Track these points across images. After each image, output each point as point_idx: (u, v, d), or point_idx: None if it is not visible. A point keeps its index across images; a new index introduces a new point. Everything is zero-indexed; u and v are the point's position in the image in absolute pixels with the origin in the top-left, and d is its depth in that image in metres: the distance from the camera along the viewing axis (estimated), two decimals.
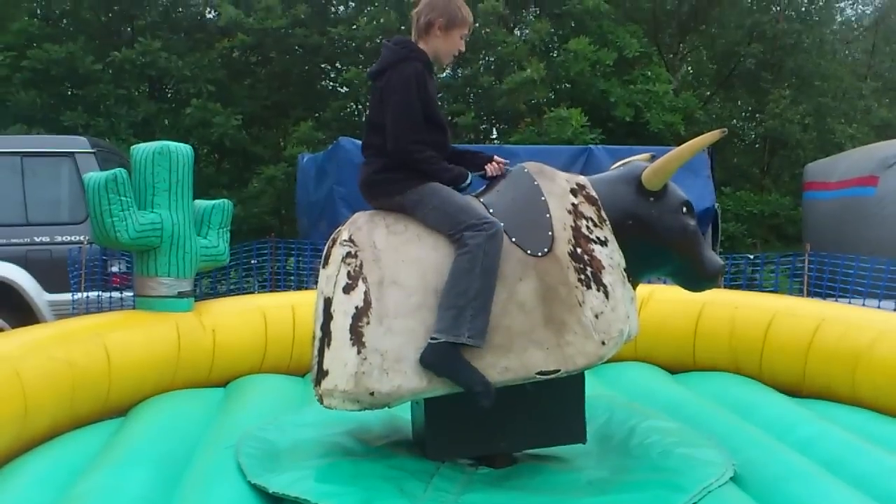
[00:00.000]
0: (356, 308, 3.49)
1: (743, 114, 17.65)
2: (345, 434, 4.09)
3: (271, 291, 8.42)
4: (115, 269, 7.72)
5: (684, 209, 3.94)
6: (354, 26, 13.94)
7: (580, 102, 13.49)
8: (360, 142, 9.44)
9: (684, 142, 4.01)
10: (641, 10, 15.60)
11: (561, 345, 3.54)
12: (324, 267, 3.65)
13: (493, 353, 3.49)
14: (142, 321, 5.18)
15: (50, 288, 7.57)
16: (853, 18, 20.78)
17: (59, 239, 7.73)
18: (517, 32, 15.38)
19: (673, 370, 5.69)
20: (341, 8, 15.87)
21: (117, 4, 13.94)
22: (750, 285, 8.27)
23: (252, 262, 9.16)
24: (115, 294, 7.46)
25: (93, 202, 5.19)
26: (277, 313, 5.72)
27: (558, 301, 3.56)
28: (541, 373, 3.54)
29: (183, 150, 5.46)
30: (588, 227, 3.73)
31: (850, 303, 7.05)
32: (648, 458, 3.83)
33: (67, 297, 7.36)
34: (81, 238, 7.50)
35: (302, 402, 4.96)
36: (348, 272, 3.55)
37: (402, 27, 14.08)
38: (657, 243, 3.88)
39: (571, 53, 13.15)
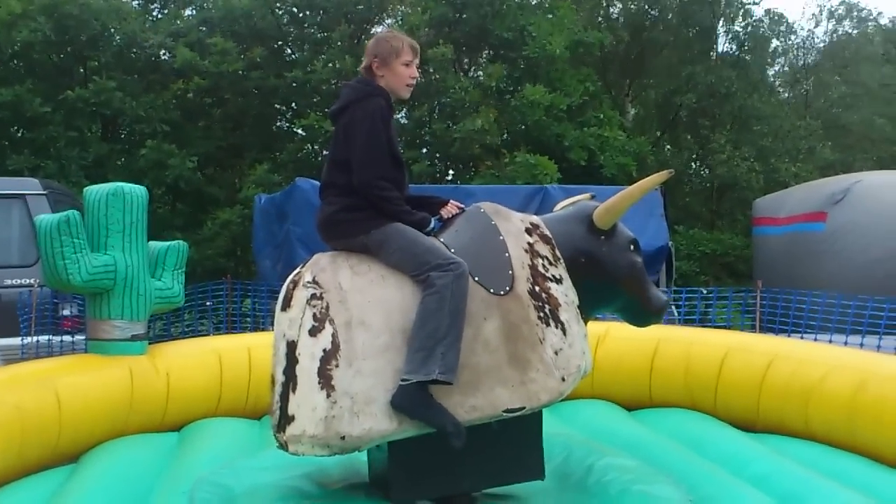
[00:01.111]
0: (324, 351, 3.43)
1: (693, 155, 18.04)
2: (302, 478, 4.05)
3: (227, 333, 8.33)
4: (66, 312, 7.59)
5: (632, 247, 4.06)
6: (310, 69, 14.00)
7: (535, 145, 13.66)
8: (317, 183, 9.49)
9: (635, 182, 4.11)
10: (590, 54, 15.91)
11: (525, 382, 3.61)
12: (284, 309, 3.57)
13: (461, 392, 3.51)
14: (94, 365, 5.08)
15: None
16: (790, 60, 21.39)
17: (8, 282, 7.59)
18: (471, 75, 15.57)
19: (630, 407, 5.72)
20: (297, 51, 15.94)
21: (70, 45, 13.84)
22: (703, 321, 8.37)
23: (207, 303, 9.07)
24: (67, 338, 7.32)
25: (44, 244, 5.11)
26: (233, 356, 5.65)
27: (521, 339, 3.63)
28: (507, 410, 3.58)
29: (137, 191, 5.41)
30: (544, 266, 3.80)
31: (802, 338, 7.17)
32: (606, 495, 3.84)
33: (17, 341, 7.21)
34: (32, 281, 7.37)
35: (258, 445, 4.90)
36: (314, 314, 3.48)
37: (357, 70, 14.22)
38: (607, 280, 3.98)
39: (527, 101, 13.28)
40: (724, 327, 8.28)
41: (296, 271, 3.69)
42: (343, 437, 3.39)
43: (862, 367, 4.76)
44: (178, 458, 4.57)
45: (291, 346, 3.48)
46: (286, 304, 3.58)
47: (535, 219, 4.01)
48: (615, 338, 5.91)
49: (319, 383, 3.40)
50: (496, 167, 13.41)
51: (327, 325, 3.47)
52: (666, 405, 5.61)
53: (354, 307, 3.52)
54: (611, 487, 3.90)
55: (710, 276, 15.54)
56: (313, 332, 3.46)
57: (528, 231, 3.89)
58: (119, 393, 5.00)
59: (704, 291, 9.35)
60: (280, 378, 3.50)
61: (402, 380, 3.41)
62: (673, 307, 8.89)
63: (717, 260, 15.50)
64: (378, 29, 15.35)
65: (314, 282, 3.56)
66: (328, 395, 3.39)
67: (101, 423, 4.85)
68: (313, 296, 3.52)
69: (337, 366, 3.42)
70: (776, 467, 4.23)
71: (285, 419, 3.44)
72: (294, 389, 3.43)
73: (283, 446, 3.48)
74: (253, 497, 3.81)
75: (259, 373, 5.57)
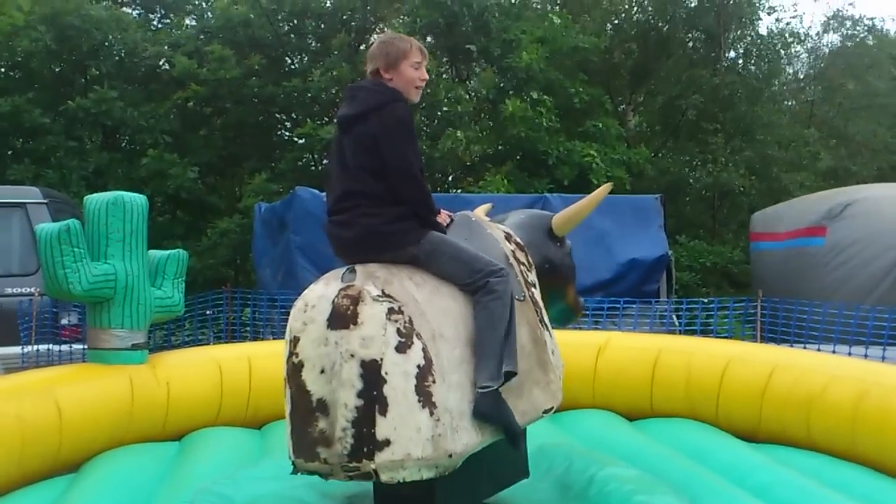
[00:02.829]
0: (418, 367, 3.23)
1: (695, 163, 18.05)
2: (303, 487, 4.04)
3: (227, 343, 8.32)
4: (66, 321, 7.58)
5: (570, 251, 4.36)
6: (309, 78, 14.03)
7: (526, 158, 13.62)
8: (317, 192, 9.52)
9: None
10: (593, 61, 15.92)
11: (549, 382, 3.77)
12: (344, 327, 3.26)
13: (514, 396, 3.55)
14: (94, 374, 5.08)
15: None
16: (795, 70, 21.42)
17: (9, 291, 7.59)
18: (469, 84, 15.58)
19: (631, 416, 5.71)
20: (296, 60, 15.98)
21: (71, 55, 13.87)
22: (705, 331, 8.36)
23: (207, 312, 9.06)
24: (67, 347, 7.31)
25: (44, 253, 5.11)
26: (233, 365, 5.65)
27: (540, 342, 3.76)
28: (545, 411, 3.73)
29: (137, 200, 5.41)
30: (525, 272, 3.93)
31: (805, 348, 7.16)
32: None
33: (17, 350, 7.20)
34: (32, 290, 7.36)
35: (259, 455, 4.89)
36: (398, 329, 3.25)
37: (357, 78, 14.23)
38: (560, 284, 4.22)
39: (508, 115, 13.15)
40: (726, 337, 8.27)
41: (340, 286, 3.38)
42: (451, 455, 3.24)
43: (863, 377, 4.76)
44: (178, 468, 4.56)
45: (371, 366, 3.20)
46: (347, 322, 3.27)
47: (505, 227, 4.13)
48: (616, 347, 5.91)
49: (420, 401, 3.19)
50: (480, 185, 13.28)
51: (415, 339, 3.27)
52: (667, 415, 5.61)
53: (432, 319, 3.39)
54: (612, 498, 3.89)
55: (710, 288, 15.53)
56: (401, 348, 3.23)
57: (507, 238, 4.00)
58: (119, 402, 4.99)
59: (705, 301, 9.35)
60: (353, 402, 3.18)
61: (483, 387, 3.39)
62: (674, 316, 8.89)
63: (717, 271, 15.49)
64: (375, 36, 15.39)
65: (387, 295, 3.33)
66: (431, 413, 3.20)
67: (101, 432, 4.84)
68: (391, 310, 3.28)
69: (434, 381, 3.24)
70: (778, 477, 4.23)
71: (372, 445, 3.15)
72: (384, 412, 3.16)
73: (373, 475, 3.19)
74: None
75: (259, 382, 5.58)
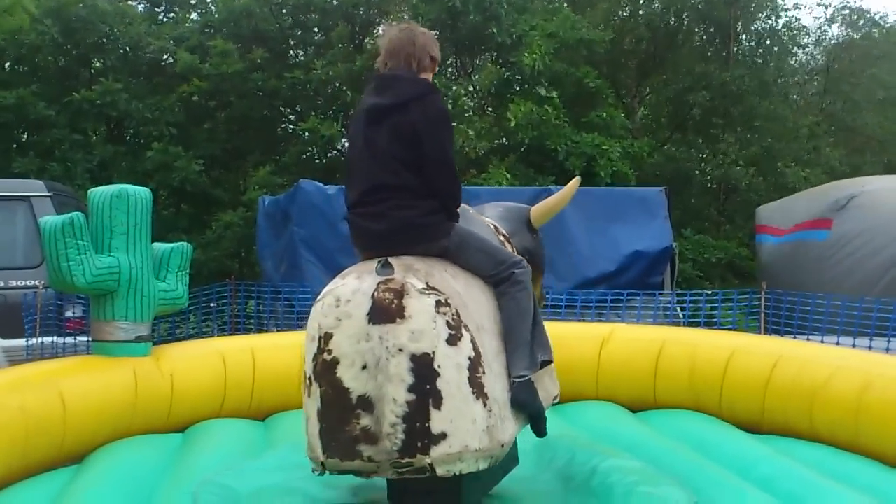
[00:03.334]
0: (469, 359, 3.23)
1: (701, 155, 18.00)
2: (307, 479, 4.03)
3: (231, 335, 8.34)
4: (70, 313, 7.59)
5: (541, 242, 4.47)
6: (313, 69, 14.01)
7: (532, 151, 13.58)
8: (320, 184, 9.53)
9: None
10: (599, 52, 15.88)
11: (553, 370, 3.89)
12: (390, 321, 3.22)
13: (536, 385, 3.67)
14: (98, 366, 5.09)
15: (4, 333, 7.42)
16: (803, 62, 21.32)
17: (13, 283, 7.60)
18: (474, 77, 15.55)
19: (634, 408, 5.71)
20: (300, 52, 15.96)
21: (76, 48, 13.87)
22: (708, 322, 8.35)
23: (211, 305, 9.07)
24: (71, 339, 7.32)
25: (49, 246, 5.12)
26: (237, 357, 5.66)
27: (540, 330, 3.81)
28: (554, 398, 3.86)
29: (141, 193, 5.41)
30: None
31: (809, 339, 7.15)
32: (611, 497, 3.82)
33: (22, 342, 7.22)
34: (37, 282, 7.38)
35: (262, 446, 4.90)
36: (447, 322, 3.24)
37: (362, 74, 14.21)
38: (535, 274, 4.19)
39: (514, 121, 13.08)
40: (729, 329, 8.26)
41: (378, 279, 3.32)
42: (502, 445, 3.29)
43: (867, 369, 4.76)
44: (182, 459, 4.57)
45: (423, 360, 3.17)
46: (393, 316, 3.22)
47: (491, 220, 4.19)
48: (620, 339, 5.91)
49: (473, 393, 3.21)
50: (479, 176, 13.24)
51: (464, 331, 3.26)
52: (670, 406, 5.61)
53: (475, 311, 3.41)
54: (615, 489, 3.89)
55: (715, 282, 15.49)
56: (452, 340, 3.22)
57: (496, 230, 4.06)
58: (123, 394, 5.01)
59: (709, 293, 9.32)
60: (403, 397, 3.14)
61: (520, 377, 3.48)
62: (678, 308, 8.88)
63: (722, 265, 15.44)
64: (383, 28, 15.35)
65: (432, 288, 3.31)
66: (484, 405, 3.23)
67: (105, 424, 4.85)
68: (439, 302, 3.26)
69: (484, 372, 3.27)
70: (781, 469, 4.22)
71: (427, 439, 3.13)
72: (438, 405, 3.15)
73: (429, 469, 3.17)
74: (257, 498, 3.81)
75: (263, 374, 5.60)
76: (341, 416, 3.20)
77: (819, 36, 21.23)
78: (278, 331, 8.68)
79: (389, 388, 3.15)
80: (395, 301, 3.23)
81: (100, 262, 5.18)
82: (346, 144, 3.80)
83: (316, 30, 15.83)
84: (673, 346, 5.71)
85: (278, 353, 5.76)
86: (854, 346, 6.81)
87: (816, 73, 21.10)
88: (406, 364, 3.16)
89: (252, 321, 9.24)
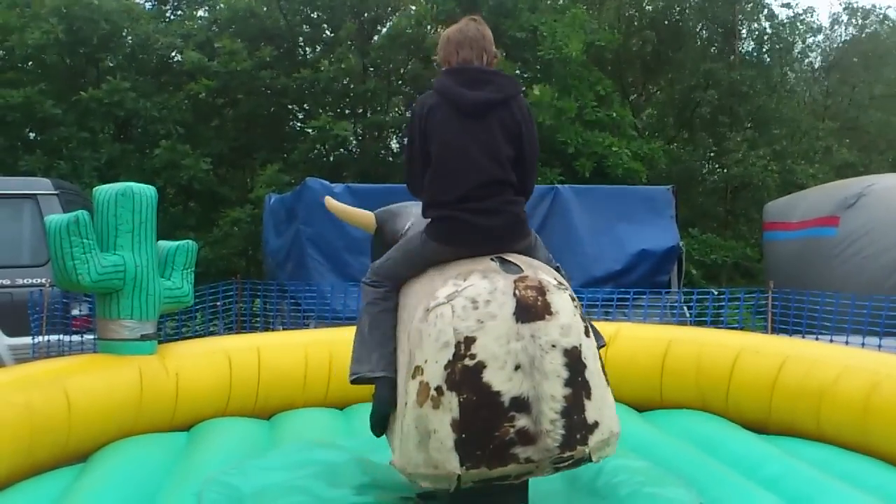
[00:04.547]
0: (596, 348, 3.38)
1: (708, 154, 17.95)
2: (312, 477, 4.04)
3: (237, 333, 8.34)
4: (76, 311, 7.60)
5: None
6: (320, 67, 14.01)
7: (543, 146, 13.56)
8: (326, 182, 9.53)
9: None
10: (605, 53, 15.84)
11: None
12: (540, 319, 3.18)
13: None
14: (103, 365, 5.09)
15: (10, 331, 7.43)
16: (809, 60, 21.27)
17: (20, 282, 7.61)
18: None
19: (640, 408, 5.69)
20: (308, 50, 15.96)
21: (82, 46, 13.89)
22: (715, 322, 8.32)
23: (218, 303, 9.07)
24: (77, 337, 7.33)
25: (54, 244, 5.12)
26: (242, 356, 5.66)
27: None
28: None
29: (146, 191, 5.42)
30: None
31: (817, 339, 7.11)
32: (616, 497, 3.82)
33: (28, 340, 7.23)
34: (43, 281, 7.39)
35: (267, 445, 4.90)
36: (581, 315, 3.32)
37: (370, 70, 14.22)
38: None
39: (534, 101, 13.12)
40: (736, 328, 8.23)
41: (512, 277, 3.28)
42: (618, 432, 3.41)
43: (875, 369, 4.73)
44: (187, 458, 4.57)
45: (573, 353, 3.18)
46: (541, 313, 3.19)
47: None
48: (626, 338, 5.89)
49: (606, 380, 3.34)
50: None
51: (587, 322, 3.37)
52: (677, 406, 5.59)
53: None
54: (621, 489, 3.88)
55: (722, 282, 15.44)
56: (587, 332, 3.29)
57: None
58: (128, 393, 5.01)
59: (716, 292, 9.29)
60: (561, 392, 3.12)
61: None
62: (685, 307, 8.85)
63: (728, 265, 15.39)
64: (384, 27, 15.37)
65: (561, 283, 3.36)
66: (610, 391, 3.38)
67: (110, 422, 4.85)
68: (571, 297, 3.33)
69: (602, 359, 3.40)
70: (788, 469, 4.20)
71: (584, 430, 3.15)
72: (589, 396, 3.18)
73: (580, 462, 3.21)
74: (262, 497, 3.81)
75: (268, 373, 5.59)
76: (490, 421, 3.09)
77: (827, 35, 21.17)
78: (284, 329, 8.68)
79: (546, 385, 3.11)
80: (540, 298, 3.21)
81: (105, 261, 5.18)
82: (410, 137, 3.66)
83: (324, 26, 15.83)
84: (679, 346, 5.69)
85: (284, 352, 5.76)
86: (863, 345, 6.77)
87: (822, 71, 21.04)
88: (560, 359, 3.15)
89: (258, 320, 9.23)
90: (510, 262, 3.39)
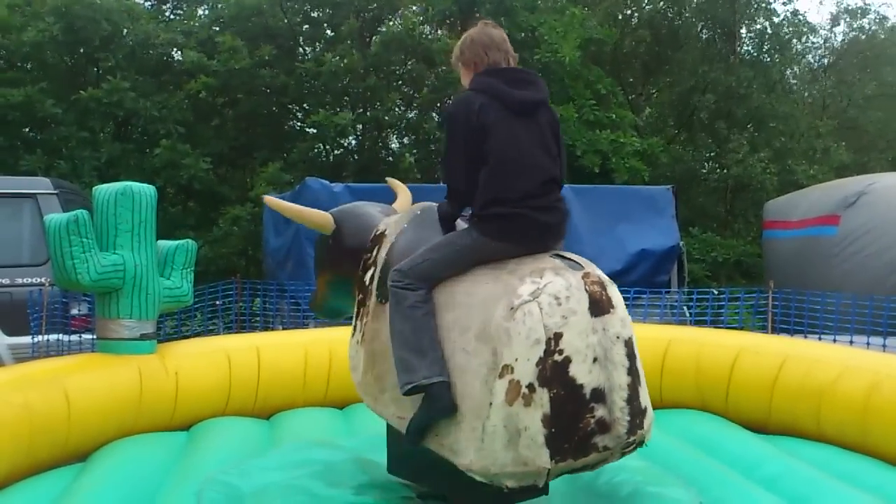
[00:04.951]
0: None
1: (708, 154, 17.95)
2: (311, 477, 4.04)
3: (236, 333, 8.33)
4: (75, 311, 7.60)
5: None
6: (322, 66, 14.00)
7: None
8: (326, 181, 9.52)
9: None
10: (604, 52, 15.85)
11: None
12: (605, 313, 3.36)
13: None
14: (103, 364, 5.09)
15: (10, 331, 7.43)
16: (808, 60, 21.27)
17: (19, 281, 7.61)
18: None
19: None
20: (308, 49, 15.95)
21: (82, 46, 13.89)
22: (715, 321, 8.32)
23: (217, 303, 9.07)
24: (76, 337, 7.33)
25: (53, 244, 5.12)
26: (242, 355, 5.64)
27: None
28: None
29: (146, 190, 5.41)
30: None
31: (820, 338, 7.10)
32: (616, 497, 3.81)
33: (27, 340, 7.22)
34: (43, 280, 7.38)
35: (267, 445, 4.89)
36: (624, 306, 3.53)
37: (370, 69, 14.20)
38: None
39: None
40: (736, 328, 8.22)
41: (579, 273, 3.42)
42: None
43: (875, 369, 4.73)
44: (186, 458, 4.57)
45: (630, 344, 3.39)
46: (607, 307, 3.38)
47: None
48: None
49: (642, 369, 3.48)
50: None
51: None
52: (676, 406, 5.58)
53: None
54: (621, 489, 3.88)
55: (722, 280, 15.44)
56: (629, 323, 3.49)
57: None
58: (128, 392, 5.00)
59: (716, 292, 9.29)
60: (625, 381, 3.32)
61: None
62: (685, 307, 8.85)
63: (730, 264, 15.39)
64: (384, 25, 15.36)
65: (609, 278, 3.55)
66: None
67: (109, 422, 4.85)
68: (617, 291, 3.51)
69: None
70: (788, 469, 4.20)
71: (641, 415, 3.37)
72: (640, 383, 3.40)
73: (638, 445, 3.43)
74: (261, 496, 3.81)
75: (268, 373, 5.58)
76: (575, 414, 3.24)
77: (826, 35, 21.18)
78: (284, 329, 8.68)
79: (616, 376, 3.30)
80: (604, 293, 3.39)
81: (104, 260, 5.18)
82: (458, 135, 3.56)
83: (325, 25, 15.82)
84: (679, 345, 5.69)
85: (283, 351, 5.76)
86: (868, 344, 6.76)
87: (822, 70, 21.04)
88: (623, 350, 3.34)
89: (258, 319, 9.23)
90: (568, 258, 3.51)
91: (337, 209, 4.34)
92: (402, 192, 4.58)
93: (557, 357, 3.21)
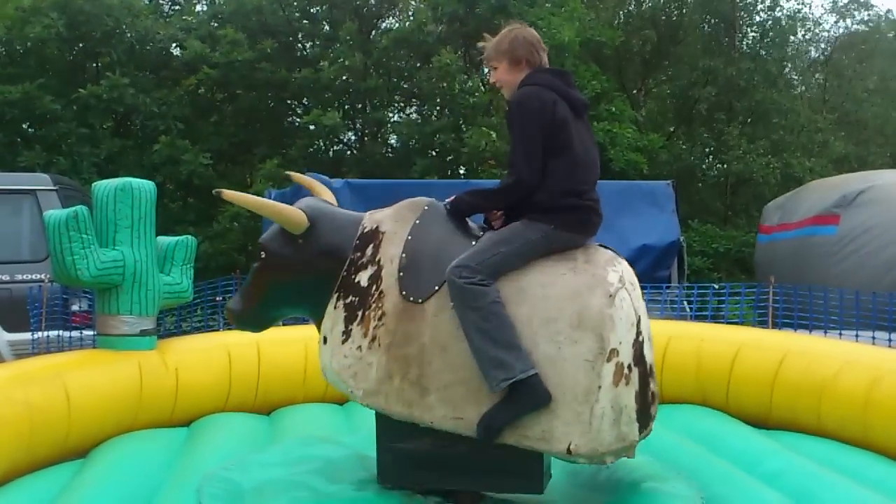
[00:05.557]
0: None
1: (707, 149, 17.94)
2: (312, 473, 4.03)
3: (236, 329, 8.30)
4: (76, 307, 7.59)
5: None
6: (321, 64, 13.99)
7: None
8: (325, 177, 9.47)
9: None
10: (605, 48, 15.83)
11: None
12: (641, 298, 3.70)
13: None
14: (103, 360, 5.08)
15: (10, 327, 7.42)
16: (807, 53, 21.25)
17: (19, 277, 7.60)
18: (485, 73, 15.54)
19: None
20: (308, 46, 15.94)
21: (82, 42, 13.87)
22: (716, 316, 8.30)
23: (217, 299, 9.05)
24: (76, 333, 7.32)
25: (53, 240, 5.11)
26: (242, 351, 5.63)
27: None
28: None
29: (145, 186, 5.40)
30: None
31: (825, 334, 7.07)
32: (617, 492, 3.81)
33: (27, 336, 7.21)
34: (42, 276, 7.37)
35: (267, 441, 4.88)
36: None
37: (370, 68, 14.19)
38: None
39: None
40: (737, 323, 8.20)
41: (624, 261, 3.71)
42: None
43: (876, 364, 4.72)
44: (186, 454, 4.56)
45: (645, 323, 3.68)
46: (640, 293, 3.70)
47: None
48: None
49: None
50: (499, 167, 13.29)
51: None
52: (677, 401, 5.57)
53: None
54: (621, 485, 3.88)
55: (723, 273, 15.44)
56: None
57: None
58: (128, 388, 5.00)
59: (716, 287, 9.27)
60: (653, 356, 3.70)
61: None
62: (685, 302, 8.84)
63: (730, 256, 15.41)
64: (385, 24, 15.36)
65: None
66: None
67: (109, 418, 4.84)
68: None
69: None
70: (789, 464, 4.20)
71: (654, 399, 3.68)
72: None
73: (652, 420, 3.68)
74: (262, 492, 3.80)
75: (268, 368, 5.58)
76: (645, 389, 3.56)
77: (826, 29, 21.17)
78: (283, 325, 8.65)
79: (652, 354, 3.71)
80: (636, 280, 3.70)
81: (104, 256, 5.17)
82: (534, 125, 3.54)
83: (325, 23, 15.81)
84: (680, 341, 5.68)
85: (284, 347, 5.75)
86: (874, 339, 6.73)
87: (820, 64, 21.02)
88: (647, 330, 3.67)
89: None
90: (607, 248, 3.73)
91: (304, 206, 4.04)
92: (319, 187, 4.48)
93: (640, 338, 3.53)
